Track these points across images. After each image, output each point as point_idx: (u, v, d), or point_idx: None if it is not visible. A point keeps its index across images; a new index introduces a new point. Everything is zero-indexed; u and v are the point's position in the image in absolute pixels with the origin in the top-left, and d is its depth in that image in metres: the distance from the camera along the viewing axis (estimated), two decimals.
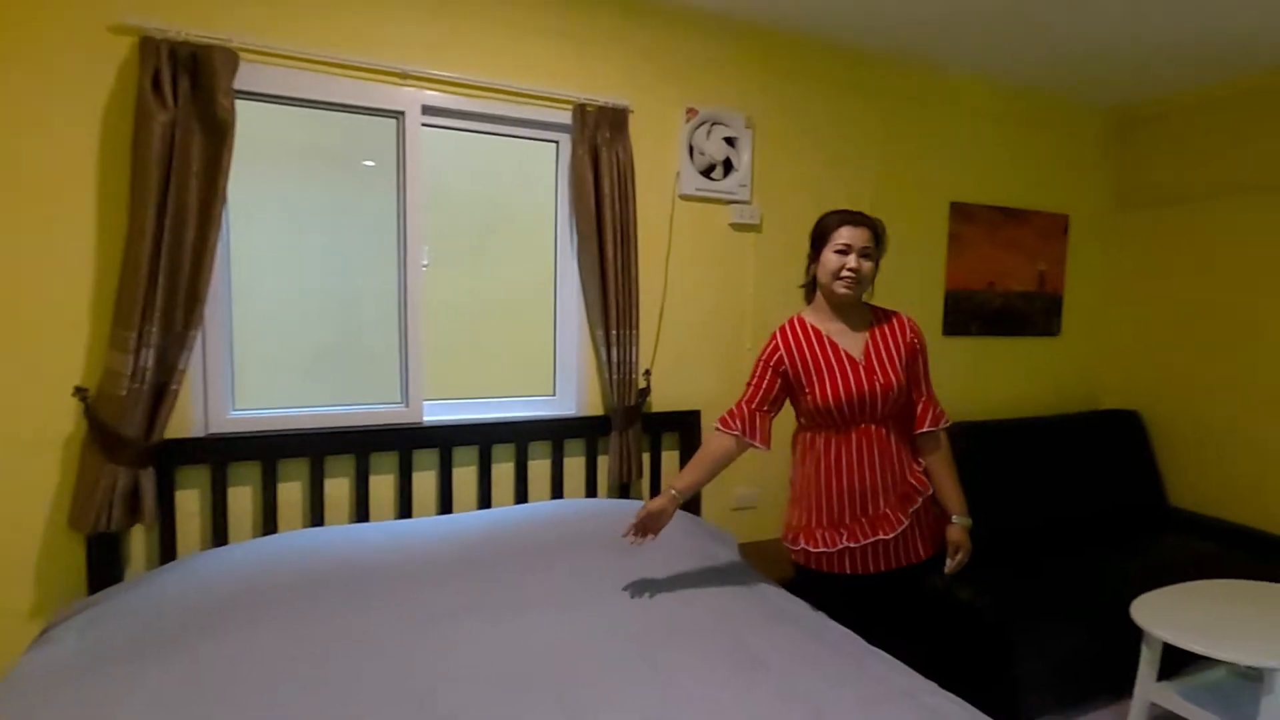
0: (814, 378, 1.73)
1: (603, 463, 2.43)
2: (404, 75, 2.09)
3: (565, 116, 2.29)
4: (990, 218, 3.15)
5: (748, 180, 2.57)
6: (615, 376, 2.33)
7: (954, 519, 1.83)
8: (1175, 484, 3.29)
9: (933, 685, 1.44)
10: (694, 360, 2.58)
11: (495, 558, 1.83)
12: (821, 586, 1.81)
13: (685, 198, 2.50)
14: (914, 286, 3.01)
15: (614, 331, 2.31)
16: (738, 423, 1.78)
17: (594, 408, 2.44)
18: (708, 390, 2.60)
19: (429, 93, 2.13)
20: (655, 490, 2.50)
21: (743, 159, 2.55)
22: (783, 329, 1.81)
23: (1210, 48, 2.64)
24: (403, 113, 2.11)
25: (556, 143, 2.39)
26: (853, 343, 1.77)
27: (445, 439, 2.18)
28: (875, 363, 1.75)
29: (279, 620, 1.52)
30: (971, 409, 3.14)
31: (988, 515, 2.76)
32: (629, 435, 2.36)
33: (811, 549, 1.77)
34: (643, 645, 1.50)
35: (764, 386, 1.78)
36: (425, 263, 2.20)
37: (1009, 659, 2.12)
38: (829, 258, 1.72)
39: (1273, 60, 2.73)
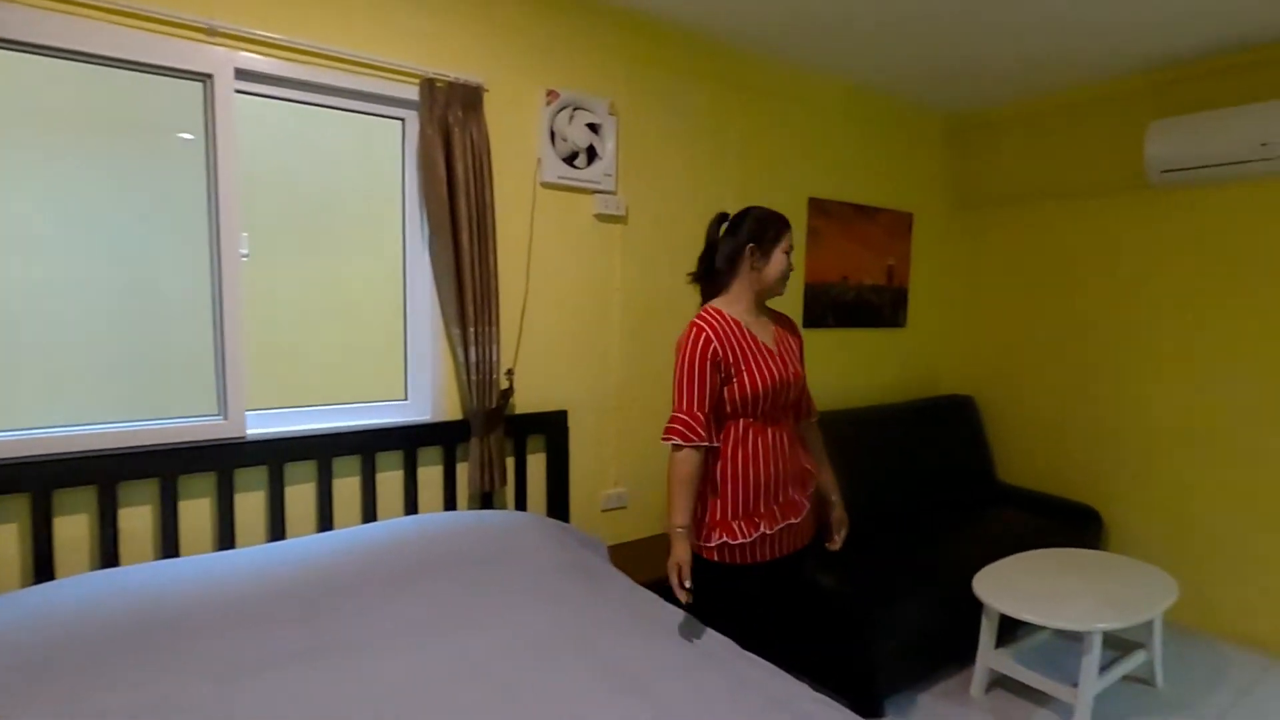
0: (742, 366, 1.72)
1: (462, 471, 2.25)
2: (212, 32, 1.78)
3: (412, 92, 2.07)
4: (844, 214, 3.27)
5: (612, 170, 2.47)
6: (474, 378, 2.16)
7: (834, 498, 1.98)
8: (1003, 462, 3.60)
9: (807, 689, 1.42)
10: (560, 358, 2.45)
11: (334, 591, 1.61)
12: (733, 580, 1.77)
13: (547, 186, 2.36)
14: None
15: (472, 329, 2.13)
16: (701, 432, 1.67)
17: (451, 412, 2.25)
18: (575, 389, 2.49)
19: (245, 54, 1.83)
20: (521, 499, 2.36)
21: (607, 147, 2.44)
22: (707, 320, 1.73)
23: (1032, 66, 2.87)
24: (211, 76, 1.80)
25: (402, 121, 2.16)
26: (766, 335, 1.81)
27: (275, 454, 1.91)
28: (784, 354, 1.81)
29: (50, 697, 1.23)
30: (828, 398, 3.26)
31: (847, 500, 2.91)
32: (491, 440, 2.19)
33: (731, 541, 1.73)
34: (507, 683, 1.36)
35: (708, 385, 1.68)
36: (245, 252, 1.91)
37: (868, 641, 2.19)
38: (779, 258, 1.77)
39: (1082, 79, 3.02)
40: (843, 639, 2.25)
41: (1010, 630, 2.50)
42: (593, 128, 2.40)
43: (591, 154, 2.42)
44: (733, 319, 1.75)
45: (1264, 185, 2.69)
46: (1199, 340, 2.88)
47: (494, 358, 2.18)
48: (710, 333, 1.70)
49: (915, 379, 3.73)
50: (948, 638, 2.51)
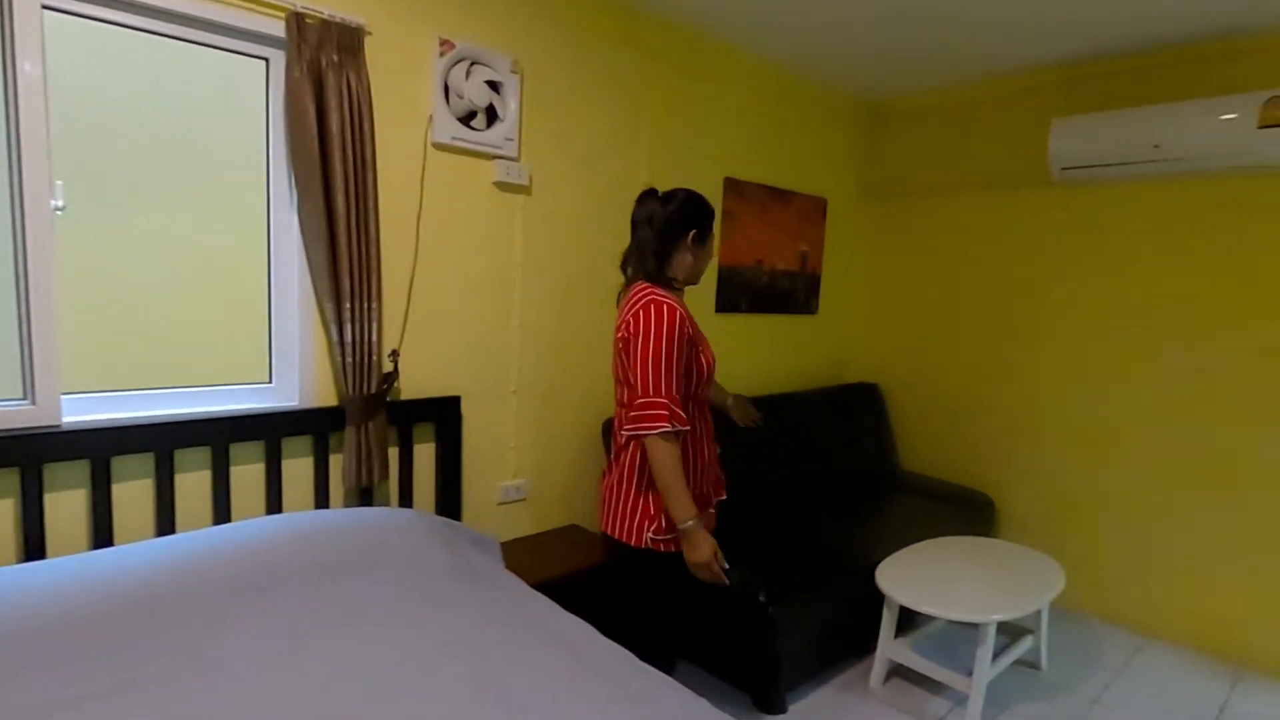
0: (699, 347, 1.70)
1: (336, 464, 2.01)
2: None
3: (277, 27, 1.78)
4: (760, 196, 3.18)
5: (515, 134, 2.25)
6: (351, 359, 1.91)
7: (726, 399, 2.09)
8: (906, 449, 3.66)
9: (705, 704, 1.31)
10: (453, 339, 2.23)
11: (165, 609, 1.36)
12: (669, 569, 1.69)
13: (440, 147, 2.12)
14: None
15: (348, 305, 1.89)
16: (684, 415, 1.59)
17: (324, 397, 2.00)
18: (470, 373, 2.28)
19: None
20: (405, 494, 2.14)
21: (509, 108, 2.22)
22: (669, 299, 1.63)
23: (946, 56, 2.85)
24: None
25: (266, 61, 1.87)
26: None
27: (98, 446, 1.61)
28: None
29: None
30: (739, 385, 3.18)
31: (752, 489, 2.86)
32: (370, 429, 1.96)
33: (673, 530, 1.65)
34: (366, 708, 1.18)
35: (681, 366, 1.61)
36: (59, 203, 1.59)
37: (772, 640, 2.13)
38: (712, 247, 1.77)
39: (994, 72, 3.04)
40: (747, 638, 2.18)
41: (910, 619, 2.51)
42: (493, 86, 2.17)
43: (491, 115, 2.20)
44: (680, 301, 1.68)
45: (1156, 186, 2.78)
46: (1087, 336, 2.98)
47: (374, 337, 1.94)
48: (682, 313, 1.62)
49: (825, 366, 3.72)
50: (849, 630, 2.50)
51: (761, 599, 2.14)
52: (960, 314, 3.40)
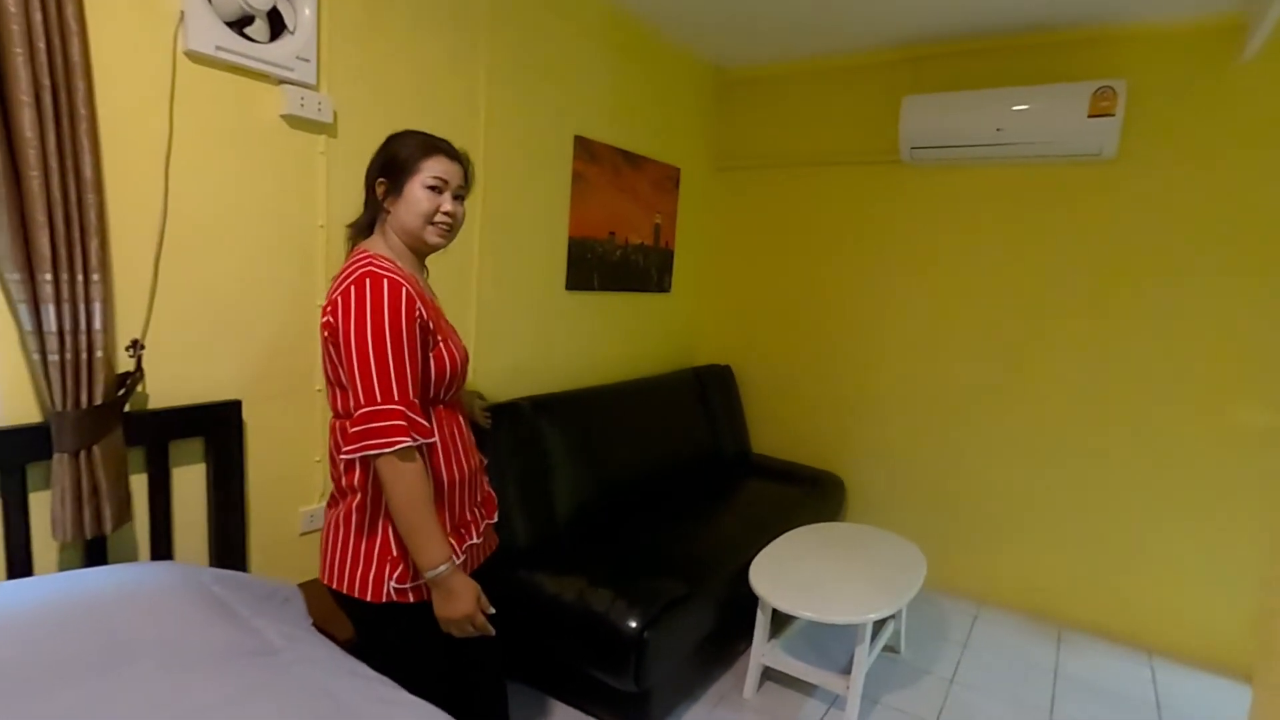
0: (439, 335, 1.30)
1: (40, 504, 1.39)
2: None
3: None
4: (613, 160, 2.85)
5: (311, 53, 1.71)
6: (57, 356, 1.31)
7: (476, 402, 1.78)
8: (758, 433, 3.57)
9: None
10: (229, 322, 1.67)
11: None
12: (427, 623, 1.28)
13: (198, 58, 1.53)
14: (536, 230, 2.54)
15: (47, 276, 1.28)
16: (425, 424, 1.21)
17: (17, 411, 1.37)
18: (256, 368, 1.73)
19: None
20: (161, 540, 1.56)
21: (302, 16, 1.67)
22: (391, 272, 1.23)
23: (799, 27, 2.69)
24: None
25: None
26: (432, 297, 1.39)
27: None
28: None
29: None
30: (586, 372, 2.87)
31: (603, 489, 2.55)
32: (96, 455, 1.37)
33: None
34: None
35: (417, 359, 1.22)
36: None
37: (642, 668, 1.85)
38: (417, 194, 1.27)
39: (847, 46, 2.94)
40: (615, 668, 1.87)
41: (778, 619, 2.37)
42: None
43: (277, 23, 1.64)
44: (407, 272, 1.29)
45: (999, 169, 2.84)
46: (932, 316, 3.02)
47: (96, 323, 1.35)
48: (409, 290, 1.22)
49: (678, 348, 3.51)
50: (720, 636, 2.30)
51: (632, 625, 1.85)
52: (810, 292, 3.33)
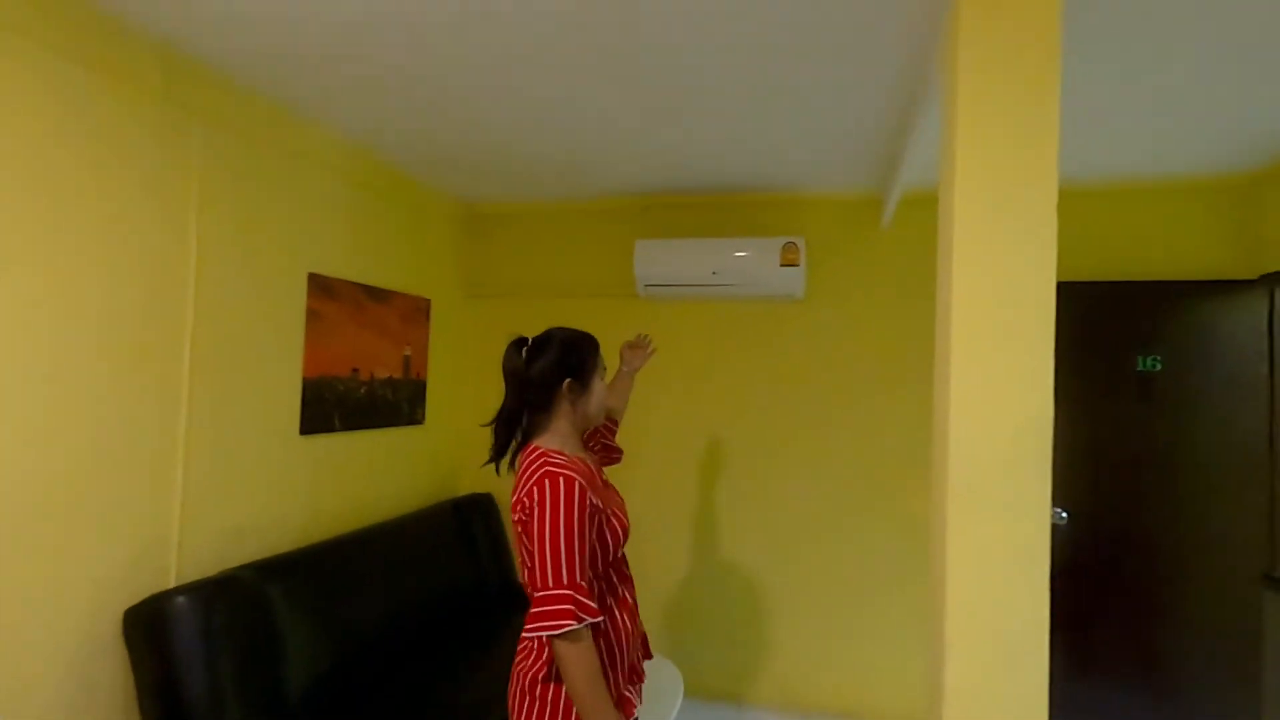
0: (607, 512, 1.49)
1: None
2: None
3: None
4: (354, 295, 2.76)
5: None
6: None
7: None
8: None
9: None
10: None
11: None
12: None
13: None
14: (265, 373, 2.33)
15: None
16: (593, 605, 1.35)
17: None
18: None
19: None
20: None
21: None
22: (566, 468, 1.41)
23: (538, 176, 2.93)
24: None
25: None
26: (598, 470, 1.64)
27: None
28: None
29: None
30: (329, 521, 2.64)
31: (340, 659, 2.28)
32: None
33: None
34: None
35: (587, 547, 1.39)
36: None
37: None
38: (598, 387, 1.62)
39: (585, 193, 3.24)
40: None
41: None
42: None
43: None
44: (576, 458, 1.50)
45: (718, 304, 3.25)
46: (675, 437, 3.28)
47: None
48: (581, 480, 1.40)
49: (435, 481, 3.38)
50: None
51: None
52: None
